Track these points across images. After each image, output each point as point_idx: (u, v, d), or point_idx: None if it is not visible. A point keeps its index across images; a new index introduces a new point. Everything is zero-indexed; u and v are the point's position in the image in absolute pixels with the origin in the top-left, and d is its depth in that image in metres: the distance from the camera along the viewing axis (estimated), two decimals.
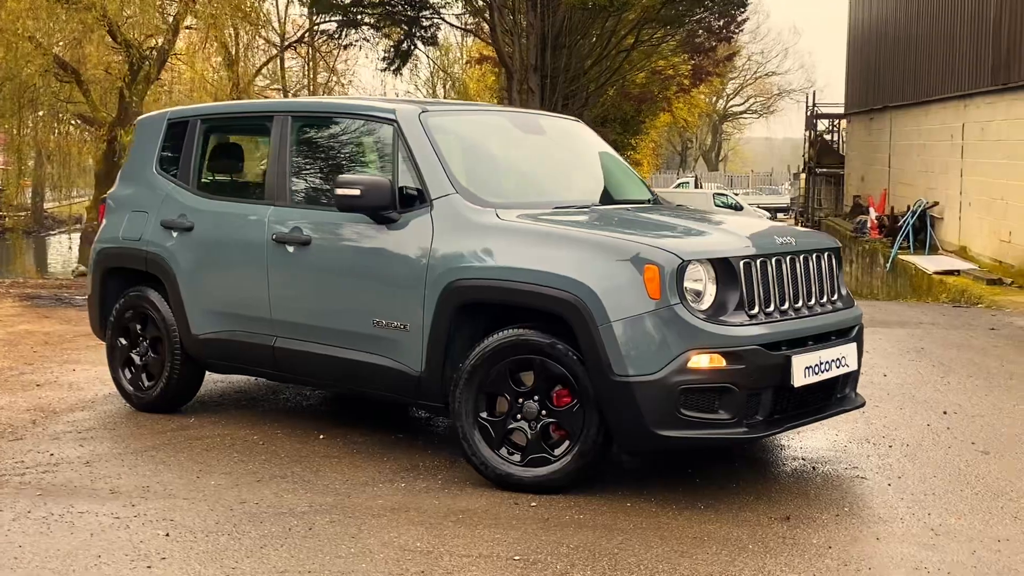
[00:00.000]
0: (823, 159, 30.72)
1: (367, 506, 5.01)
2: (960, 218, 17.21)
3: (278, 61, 37.70)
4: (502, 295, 5.22)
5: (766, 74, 67.59)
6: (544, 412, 5.17)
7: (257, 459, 5.81)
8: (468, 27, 26.52)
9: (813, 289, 5.41)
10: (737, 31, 30.64)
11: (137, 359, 6.95)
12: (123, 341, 7.01)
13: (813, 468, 5.68)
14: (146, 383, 6.89)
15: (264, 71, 37.87)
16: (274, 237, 6.09)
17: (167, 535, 4.63)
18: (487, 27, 25.40)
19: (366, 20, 24.33)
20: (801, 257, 5.36)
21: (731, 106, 73.07)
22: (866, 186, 25.17)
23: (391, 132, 5.84)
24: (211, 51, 32.26)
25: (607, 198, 6.29)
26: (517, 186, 6.10)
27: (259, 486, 5.33)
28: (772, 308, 5.14)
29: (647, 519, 4.84)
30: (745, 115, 75.66)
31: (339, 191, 5.58)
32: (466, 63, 36.07)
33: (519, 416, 5.21)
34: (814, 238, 5.65)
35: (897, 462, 5.80)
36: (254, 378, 7.74)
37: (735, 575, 4.22)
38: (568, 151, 6.60)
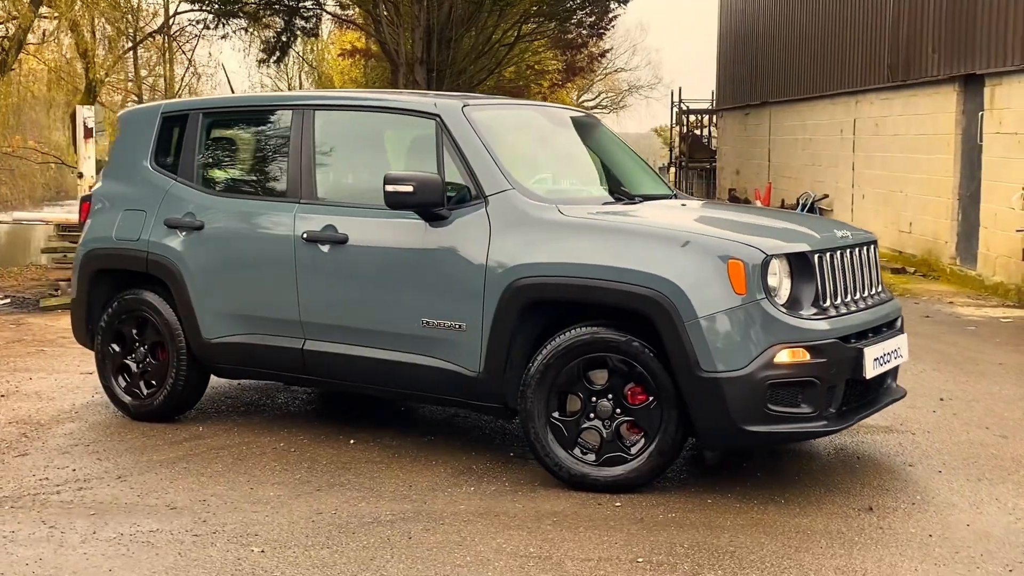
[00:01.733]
0: (695, 154, 31.41)
1: (452, 512, 4.87)
2: (852, 210, 17.82)
3: (139, 52, 36.27)
4: (576, 293, 5.13)
5: (615, 70, 68.59)
6: (619, 411, 5.11)
7: (299, 467, 5.58)
8: (349, 19, 26.09)
9: (865, 281, 5.51)
10: (608, 27, 31.02)
11: (134, 366, 6.59)
12: (116, 347, 6.64)
13: (857, 459, 5.78)
14: (145, 391, 6.54)
15: (122, 63, 36.37)
16: (305, 236, 5.85)
17: (262, 552, 4.41)
18: (370, 19, 25.02)
19: (246, 10, 23.67)
20: (856, 250, 5.45)
21: (582, 101, 73.96)
22: (742, 180, 25.84)
23: (433, 127, 5.69)
24: (64, 41, 30.86)
25: (637, 192, 6.25)
26: (564, 180, 6.00)
27: (322, 495, 5.12)
28: (839, 301, 5.21)
29: (738, 515, 4.85)
30: (595, 111, 76.76)
31: (389, 188, 5.39)
32: (339, 55, 35.42)
33: (592, 415, 5.15)
34: (859, 232, 5.75)
35: (931, 449, 5.95)
36: (238, 382, 7.44)
37: (859, 568, 4.26)
38: (594, 145, 6.55)
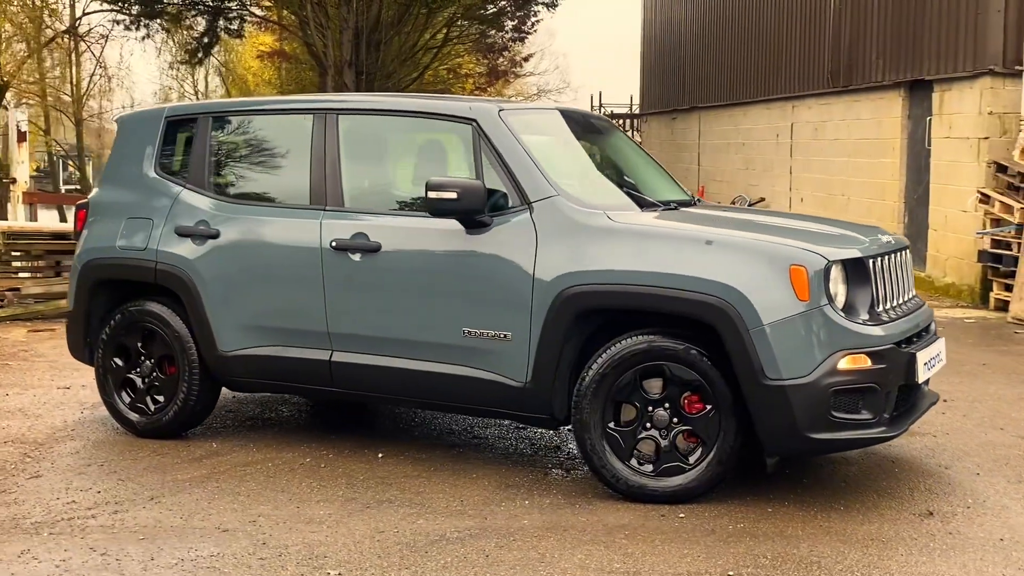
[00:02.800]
0: None
1: (517, 527, 4.75)
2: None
3: (45, 53, 35.21)
4: (634, 301, 5.05)
5: (526, 74, 68.80)
6: (675, 420, 5.05)
7: (337, 484, 5.39)
8: (276, 21, 25.65)
9: (904, 286, 5.53)
10: (531, 31, 31.04)
11: (139, 381, 6.32)
12: (119, 362, 6.36)
13: (892, 462, 5.80)
14: (152, 407, 6.28)
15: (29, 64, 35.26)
16: (334, 244, 5.67)
17: (339, 575, 4.23)
18: (296, 21, 24.64)
19: (168, 10, 23.11)
20: (896, 255, 5.47)
21: None
22: None
23: (470, 132, 5.56)
24: None
25: (662, 198, 6.18)
26: (601, 186, 5.91)
27: (375, 513, 4.95)
28: (888, 306, 5.22)
29: (805, 523, 4.81)
30: None
31: (432, 194, 5.25)
32: (257, 57, 34.85)
33: (648, 425, 5.07)
34: (895, 236, 5.77)
35: (958, 451, 6.00)
36: (233, 395, 7.20)
37: (945, 574, 4.25)
38: (616, 150, 6.47)
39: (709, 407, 4.99)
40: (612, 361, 5.05)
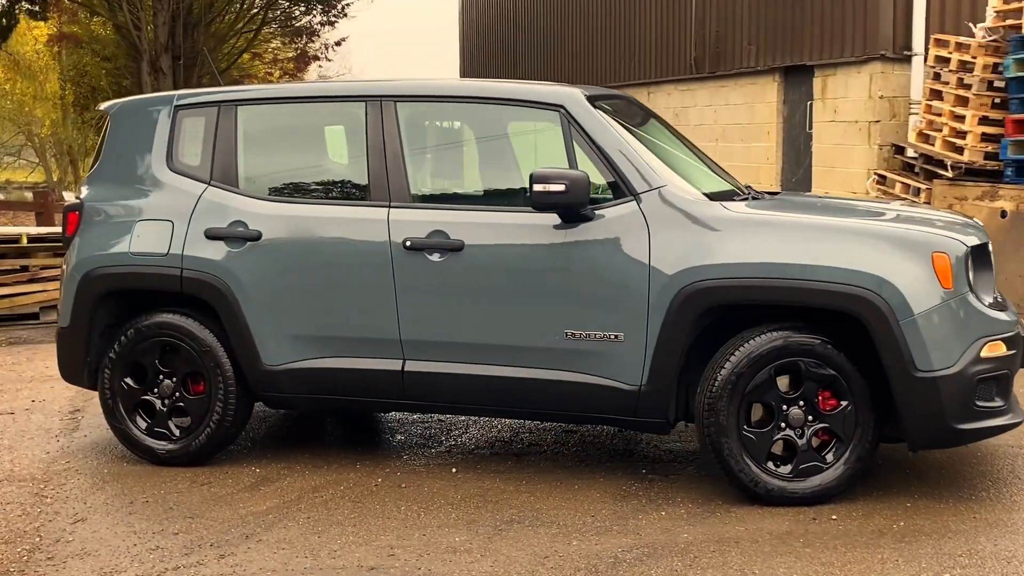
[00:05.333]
0: None
1: (685, 542, 4.43)
2: None
3: None
4: (773, 295, 4.79)
5: (329, 60, 67.26)
6: (811, 418, 4.84)
7: (436, 505, 4.93)
8: (84, 2, 23.85)
9: None
10: (341, 15, 30.21)
11: (158, 403, 5.62)
12: (130, 383, 5.64)
13: (939, 467, 5.74)
14: (177, 431, 5.59)
15: None
16: (408, 244, 5.17)
17: None
18: (106, 3, 23.06)
19: None
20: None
21: None
22: None
23: (558, 119, 5.17)
24: None
25: (724, 187, 5.92)
26: (694, 174, 5.56)
27: (513, 535, 4.53)
28: (996, 292, 5.18)
29: (960, 517, 4.68)
30: None
31: (539, 187, 4.85)
32: (47, 43, 32.42)
33: (783, 424, 4.85)
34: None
35: (985, 458, 5.96)
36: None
37: None
38: (674, 137, 6.14)
39: (845, 403, 4.80)
40: (749, 359, 4.79)
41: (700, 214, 4.95)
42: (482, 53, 26.58)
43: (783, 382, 4.86)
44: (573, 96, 5.22)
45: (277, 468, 5.54)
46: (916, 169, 11.72)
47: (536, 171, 4.88)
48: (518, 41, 24.15)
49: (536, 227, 5.07)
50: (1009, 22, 10.67)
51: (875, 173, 12.25)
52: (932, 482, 5.17)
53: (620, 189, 5.03)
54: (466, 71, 28.19)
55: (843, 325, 4.79)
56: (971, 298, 4.76)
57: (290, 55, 30.81)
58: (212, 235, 5.45)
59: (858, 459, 4.82)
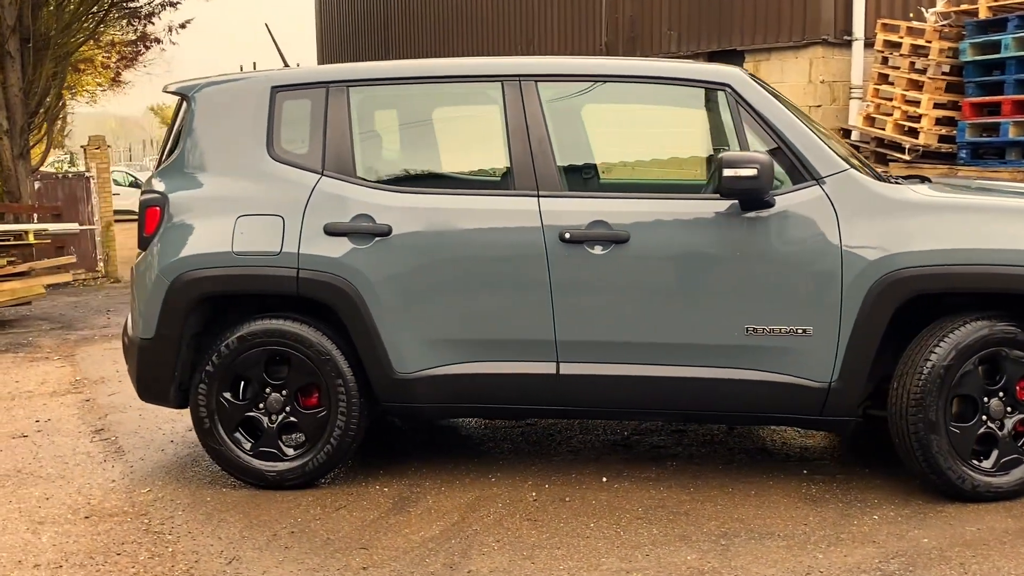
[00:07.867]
0: None
1: (928, 548, 4.15)
2: None
3: None
4: (988, 282, 4.52)
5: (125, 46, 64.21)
6: (1010, 408, 4.65)
7: (627, 520, 4.52)
8: None
9: None
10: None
11: (265, 420, 5.00)
12: (229, 398, 5.00)
13: None
14: (291, 450, 5.00)
15: None
16: (566, 236, 4.72)
17: None
18: None
19: None
20: None
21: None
22: None
23: (724, 99, 4.83)
24: None
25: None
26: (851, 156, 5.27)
27: (742, 551, 4.17)
28: None
29: None
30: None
31: (729, 172, 4.50)
32: None
33: (985, 417, 4.64)
34: None
35: None
36: None
37: None
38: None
39: None
40: (957, 349, 4.55)
41: (893, 198, 4.68)
42: (341, 34, 25.75)
43: (983, 372, 4.66)
44: (738, 74, 4.88)
45: (399, 485, 5.02)
46: (866, 153, 11.83)
47: (725, 155, 4.52)
48: (389, 21, 23.46)
49: (711, 215, 4.70)
50: (964, 7, 10.86)
51: None
52: None
53: (799, 173, 4.72)
54: (323, 56, 27.31)
55: None
56: None
57: (131, 38, 29.16)
58: (333, 231, 4.86)
59: None
